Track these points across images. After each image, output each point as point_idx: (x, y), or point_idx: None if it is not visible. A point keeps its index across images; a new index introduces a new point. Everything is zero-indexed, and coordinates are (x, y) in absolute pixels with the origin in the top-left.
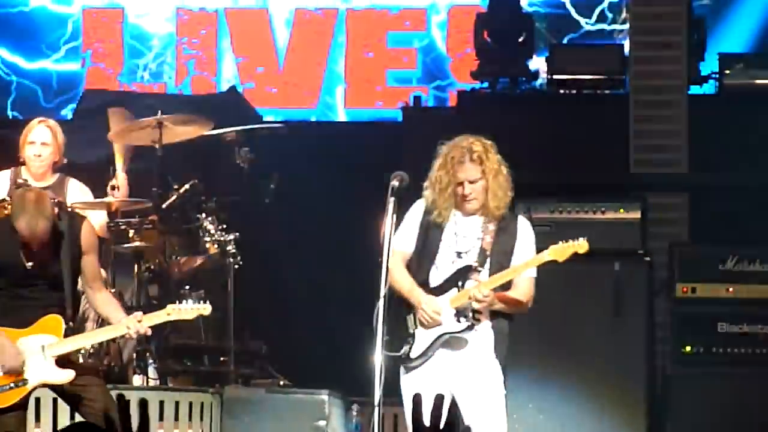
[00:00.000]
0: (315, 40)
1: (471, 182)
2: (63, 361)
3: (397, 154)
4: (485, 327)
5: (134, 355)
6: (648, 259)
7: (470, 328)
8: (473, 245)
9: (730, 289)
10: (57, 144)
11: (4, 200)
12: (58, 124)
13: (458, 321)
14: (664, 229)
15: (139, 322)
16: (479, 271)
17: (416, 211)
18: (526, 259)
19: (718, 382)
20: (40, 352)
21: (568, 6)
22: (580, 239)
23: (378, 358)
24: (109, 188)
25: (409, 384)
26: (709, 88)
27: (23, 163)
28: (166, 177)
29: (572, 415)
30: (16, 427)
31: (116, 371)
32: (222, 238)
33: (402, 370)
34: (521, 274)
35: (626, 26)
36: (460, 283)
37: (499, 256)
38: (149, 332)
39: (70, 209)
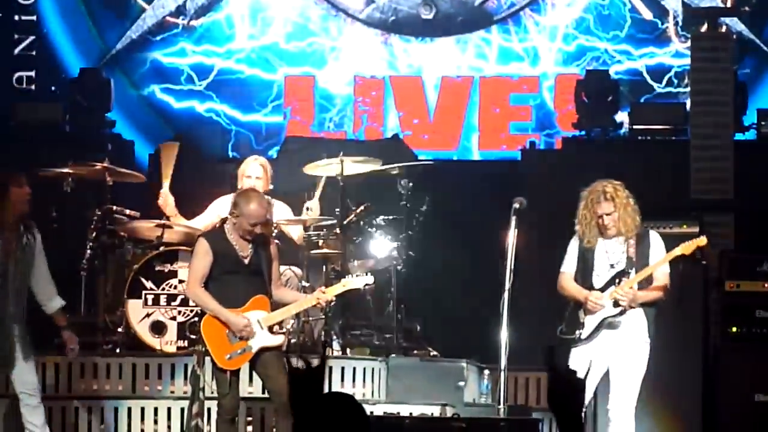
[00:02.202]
0: (456, 100)
1: (608, 215)
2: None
3: (517, 184)
4: (638, 313)
5: (323, 333)
6: (704, 262)
7: (622, 312)
8: (620, 257)
9: (766, 285)
10: (266, 177)
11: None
12: (267, 161)
13: (614, 307)
14: (715, 240)
15: (323, 293)
16: (629, 274)
17: (574, 243)
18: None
19: (756, 354)
20: (256, 324)
21: (645, 74)
22: (701, 236)
23: (503, 335)
24: (304, 209)
25: (579, 356)
26: (750, 135)
27: None
28: (347, 201)
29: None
30: (236, 383)
31: (309, 345)
32: (387, 246)
33: (573, 346)
34: (659, 270)
35: (687, 89)
36: (617, 281)
37: (641, 260)
38: (333, 300)
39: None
